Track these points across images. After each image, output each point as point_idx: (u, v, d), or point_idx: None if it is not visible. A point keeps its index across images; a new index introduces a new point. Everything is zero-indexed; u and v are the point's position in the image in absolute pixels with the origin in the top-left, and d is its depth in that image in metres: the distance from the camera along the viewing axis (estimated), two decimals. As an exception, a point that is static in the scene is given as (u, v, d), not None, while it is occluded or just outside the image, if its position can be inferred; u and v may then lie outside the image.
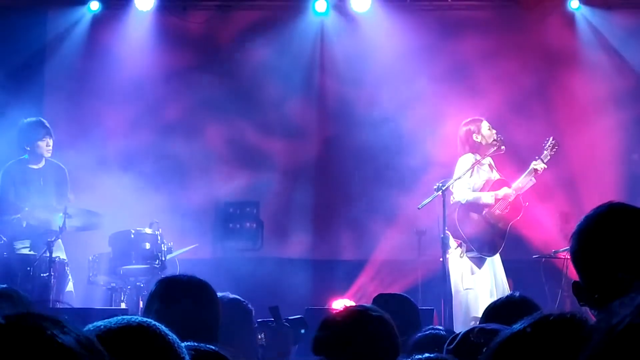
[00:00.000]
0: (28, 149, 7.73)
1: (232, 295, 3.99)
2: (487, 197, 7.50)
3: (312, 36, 10.35)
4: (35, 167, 7.78)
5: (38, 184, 7.73)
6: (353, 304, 7.07)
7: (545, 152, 7.64)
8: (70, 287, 7.68)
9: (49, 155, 7.80)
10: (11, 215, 7.49)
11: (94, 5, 10.13)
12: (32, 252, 7.49)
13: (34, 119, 7.88)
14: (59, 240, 7.54)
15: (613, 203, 2.23)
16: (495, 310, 3.43)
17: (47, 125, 7.81)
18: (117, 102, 9.96)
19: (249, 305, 4.05)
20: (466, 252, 7.38)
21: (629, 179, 9.64)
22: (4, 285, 3.21)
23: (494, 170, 7.67)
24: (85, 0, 10.10)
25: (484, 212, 7.52)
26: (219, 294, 3.85)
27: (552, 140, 7.69)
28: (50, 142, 7.78)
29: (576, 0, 10.09)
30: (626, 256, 2.10)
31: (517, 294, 3.59)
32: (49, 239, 7.30)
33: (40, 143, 7.72)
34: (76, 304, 7.70)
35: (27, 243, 7.61)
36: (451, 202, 7.38)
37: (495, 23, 10.08)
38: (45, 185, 7.75)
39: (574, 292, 2.18)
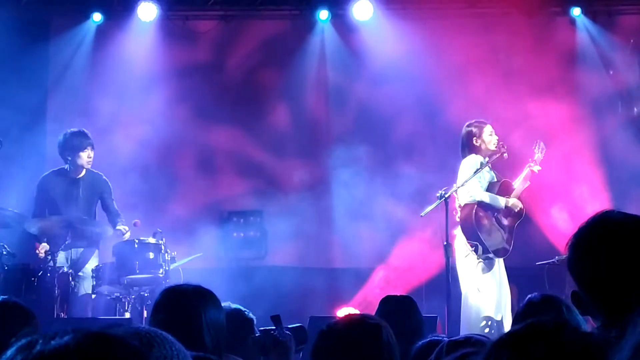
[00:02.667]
0: (69, 159, 7.79)
1: (233, 306, 4.01)
2: (500, 202, 7.58)
3: (316, 46, 10.36)
4: (74, 177, 7.83)
5: (77, 194, 7.79)
6: (357, 312, 7.09)
7: (537, 154, 7.77)
8: (86, 289, 7.67)
9: (89, 166, 7.86)
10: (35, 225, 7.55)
11: (97, 17, 10.15)
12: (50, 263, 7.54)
13: (76, 129, 7.93)
14: (96, 250, 7.65)
15: (607, 211, 2.22)
16: (529, 308, 3.48)
17: (90, 136, 7.86)
18: (121, 111, 9.98)
19: (250, 314, 4.07)
20: (482, 254, 7.43)
21: (631, 181, 9.64)
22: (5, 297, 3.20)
23: (493, 172, 7.75)
24: (88, 12, 10.12)
25: (495, 214, 7.60)
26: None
27: (541, 142, 7.82)
28: (92, 153, 7.84)
29: (577, 8, 10.09)
30: (622, 264, 2.09)
31: (538, 295, 3.64)
32: (52, 251, 7.35)
33: (82, 154, 7.78)
34: (86, 310, 7.74)
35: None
36: (457, 206, 7.44)
37: (498, 30, 10.08)
38: (84, 196, 7.81)
39: (573, 302, 2.17)
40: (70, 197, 7.79)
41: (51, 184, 7.86)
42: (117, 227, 7.77)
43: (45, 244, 7.56)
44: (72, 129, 7.93)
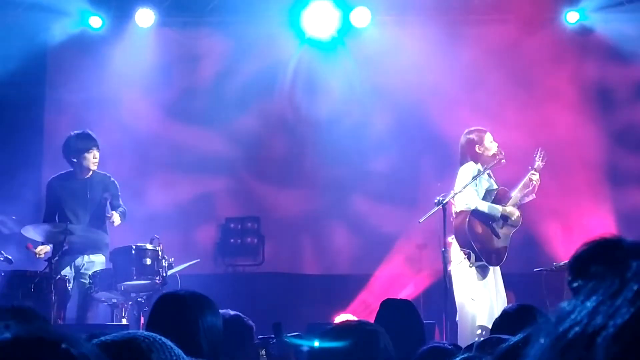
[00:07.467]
0: (75, 160, 7.78)
1: (232, 312, 4.01)
2: (496, 210, 7.54)
3: (313, 53, 10.37)
4: (82, 178, 7.82)
5: (85, 196, 7.77)
6: (355, 318, 7.07)
7: (537, 162, 7.75)
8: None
9: (95, 167, 7.84)
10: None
11: (95, 23, 10.12)
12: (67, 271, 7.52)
13: (80, 131, 7.92)
14: (102, 256, 7.66)
15: (604, 238, 2.17)
16: (505, 320, 3.44)
17: (94, 137, 7.85)
18: (119, 116, 9.97)
19: (250, 322, 4.06)
20: (475, 261, 7.40)
21: (630, 188, 9.64)
22: (21, 303, 3.19)
23: (492, 179, 7.74)
24: (86, 18, 10.10)
25: (490, 222, 7.58)
26: (220, 311, 3.86)
27: (541, 150, 7.81)
28: (97, 154, 7.82)
29: (575, 13, 10.07)
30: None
31: (514, 305, 3.60)
32: (49, 257, 7.32)
33: (87, 155, 7.76)
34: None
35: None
36: (453, 212, 7.42)
37: (493, 37, 10.09)
38: (92, 197, 7.79)
39: None
40: (79, 199, 7.78)
41: (59, 186, 7.86)
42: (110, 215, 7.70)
43: (46, 246, 7.54)
44: (76, 132, 7.92)
